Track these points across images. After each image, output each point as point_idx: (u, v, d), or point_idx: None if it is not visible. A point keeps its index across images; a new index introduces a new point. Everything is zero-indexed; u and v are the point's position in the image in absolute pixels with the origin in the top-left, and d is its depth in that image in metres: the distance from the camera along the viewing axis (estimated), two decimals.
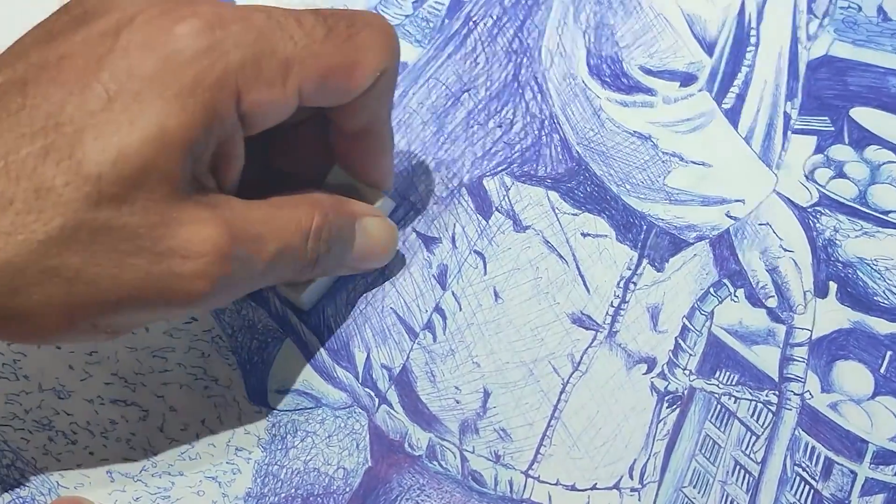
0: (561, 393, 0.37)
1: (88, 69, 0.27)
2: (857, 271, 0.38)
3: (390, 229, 0.36)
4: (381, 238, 0.35)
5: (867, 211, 0.39)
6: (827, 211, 0.39)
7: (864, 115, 0.40)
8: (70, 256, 0.26)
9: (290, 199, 0.31)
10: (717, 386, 0.37)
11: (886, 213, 0.39)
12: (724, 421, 0.36)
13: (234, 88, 0.28)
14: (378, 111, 0.33)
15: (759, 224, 0.39)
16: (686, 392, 0.37)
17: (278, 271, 0.31)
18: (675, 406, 0.36)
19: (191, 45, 0.27)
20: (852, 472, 0.35)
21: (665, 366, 0.37)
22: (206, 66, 0.27)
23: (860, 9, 0.43)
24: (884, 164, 0.40)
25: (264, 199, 0.31)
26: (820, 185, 0.40)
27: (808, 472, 0.35)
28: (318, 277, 0.36)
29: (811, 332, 0.37)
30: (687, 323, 0.38)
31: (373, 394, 0.37)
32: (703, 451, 0.36)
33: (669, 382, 0.37)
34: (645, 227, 0.39)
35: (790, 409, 0.36)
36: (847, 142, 0.40)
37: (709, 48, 0.42)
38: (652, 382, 0.37)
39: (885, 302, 0.37)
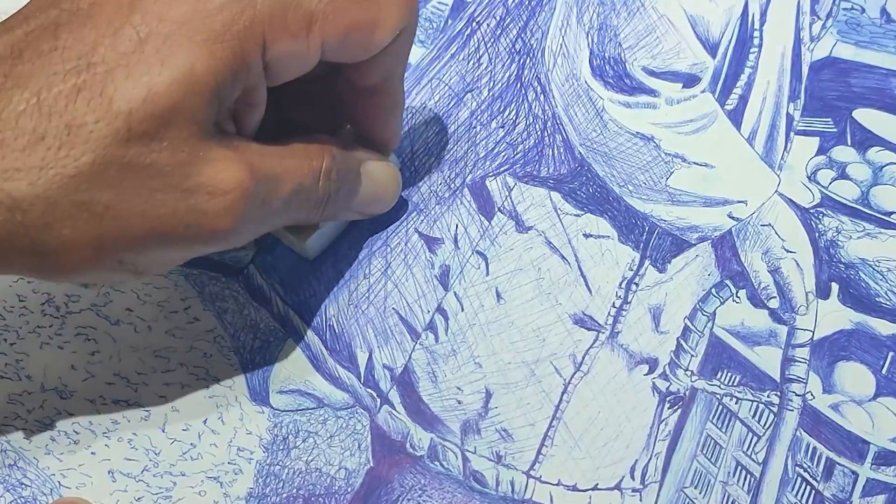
0: (563, 393, 0.37)
1: (120, 13, 0.28)
2: (859, 272, 0.38)
3: (393, 173, 0.37)
4: (384, 181, 0.37)
5: (869, 212, 0.39)
6: (829, 212, 0.39)
7: (867, 117, 0.40)
8: (100, 191, 0.27)
9: (302, 143, 0.33)
10: (719, 386, 0.37)
11: (888, 214, 0.39)
12: (726, 421, 0.36)
13: (260, 38, 0.29)
14: (394, 69, 0.34)
15: (762, 225, 0.39)
16: (688, 393, 0.37)
17: (292, 210, 0.32)
18: (676, 406, 0.36)
19: None
20: (854, 472, 0.35)
21: (667, 366, 0.37)
22: (234, 13, 0.28)
23: (863, 10, 0.43)
24: (886, 165, 0.40)
25: (279, 144, 0.32)
26: (822, 186, 0.40)
27: (809, 473, 0.35)
28: (325, 221, 0.37)
29: (813, 332, 0.37)
30: (689, 324, 0.38)
31: (375, 394, 0.37)
32: (704, 452, 0.36)
33: (671, 383, 0.37)
34: (647, 227, 0.39)
35: (792, 410, 0.36)
36: (849, 143, 0.40)
37: (712, 49, 0.42)
38: (654, 383, 0.37)
39: (887, 303, 0.37)
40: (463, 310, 0.38)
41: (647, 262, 0.39)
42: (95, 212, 0.27)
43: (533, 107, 0.42)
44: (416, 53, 0.44)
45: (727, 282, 0.38)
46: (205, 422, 0.37)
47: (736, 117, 0.41)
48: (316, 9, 0.30)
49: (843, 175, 0.40)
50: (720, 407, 0.36)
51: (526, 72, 0.42)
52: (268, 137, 0.32)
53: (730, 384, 0.37)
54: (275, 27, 0.29)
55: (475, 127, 0.41)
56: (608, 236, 0.39)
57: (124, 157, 0.27)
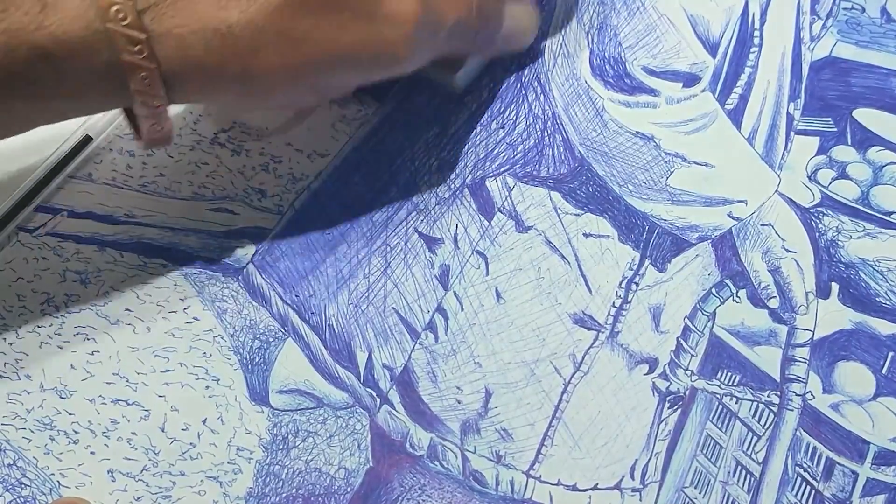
0: (562, 393, 0.37)
1: None
2: (859, 272, 0.38)
3: (530, 12, 0.40)
4: (523, 19, 0.40)
5: (869, 212, 0.39)
6: (829, 212, 0.39)
7: (867, 116, 0.40)
8: (300, 20, 0.31)
9: None
10: (719, 386, 0.37)
11: (888, 214, 0.39)
12: (726, 421, 0.36)
13: None
14: None
15: (762, 225, 0.39)
16: (688, 392, 0.37)
17: (453, 40, 0.35)
18: (676, 406, 0.36)
19: None
20: (854, 472, 0.35)
21: (667, 366, 0.37)
22: None
23: (864, 10, 0.42)
24: (886, 165, 0.40)
25: None
26: (822, 185, 0.40)
27: (809, 473, 0.35)
28: (474, 54, 0.40)
29: (813, 332, 0.37)
30: (689, 323, 0.38)
31: (374, 394, 0.37)
32: (704, 452, 0.36)
33: (671, 383, 0.37)
34: (647, 227, 0.39)
35: (792, 410, 0.36)
36: (850, 143, 0.40)
37: (712, 49, 0.42)
38: (653, 383, 0.37)
39: (887, 303, 0.37)
40: (463, 309, 0.38)
41: (647, 262, 0.39)
42: (296, 38, 0.31)
43: (533, 107, 0.41)
44: None
45: (727, 281, 0.38)
46: (204, 421, 0.37)
47: (736, 117, 0.41)
48: None
49: (843, 175, 0.40)
50: (720, 407, 0.36)
51: (526, 71, 0.42)
52: None
53: (730, 384, 0.37)
54: None
55: (475, 127, 0.41)
56: (608, 236, 0.39)
57: None
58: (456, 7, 0.35)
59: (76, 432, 0.37)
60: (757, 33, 0.42)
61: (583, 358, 0.37)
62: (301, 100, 0.36)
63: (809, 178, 0.40)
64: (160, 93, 0.31)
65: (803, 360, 0.37)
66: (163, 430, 0.37)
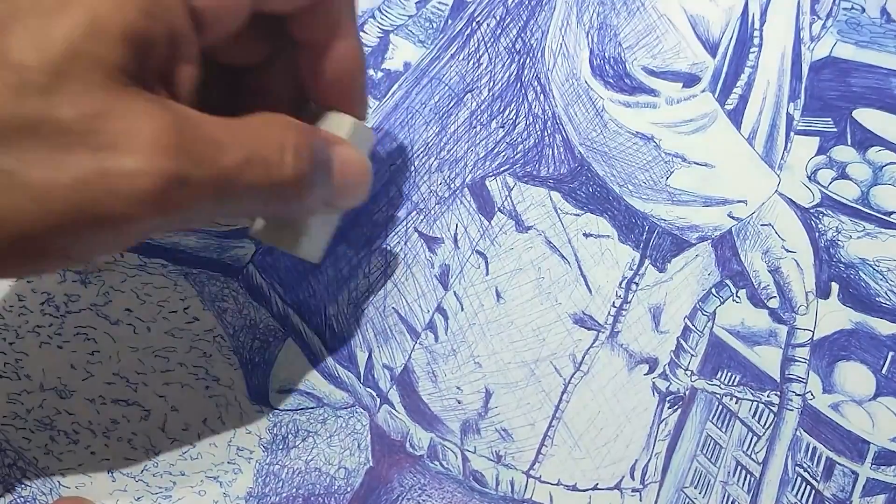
0: (562, 393, 0.37)
1: None
2: (859, 272, 0.38)
3: (363, 161, 0.33)
4: (355, 167, 0.32)
5: (869, 212, 0.39)
6: (829, 212, 0.39)
7: (867, 117, 0.40)
8: (1, 157, 0.24)
9: (257, 115, 0.29)
10: (719, 386, 0.37)
11: (888, 214, 0.39)
12: (726, 421, 0.36)
13: None
14: (338, 17, 0.31)
15: (762, 225, 0.39)
16: (687, 392, 0.37)
17: (250, 186, 0.27)
18: (676, 406, 0.36)
19: None
20: (854, 472, 0.35)
21: (667, 366, 0.37)
22: None
23: (863, 10, 0.43)
24: (886, 165, 0.40)
25: (230, 117, 0.28)
26: (822, 185, 0.40)
27: (809, 473, 0.35)
28: (306, 213, 0.33)
29: (813, 332, 0.37)
30: (689, 323, 0.38)
31: (374, 394, 0.37)
32: (704, 452, 0.36)
33: (671, 383, 0.37)
34: (647, 227, 0.39)
35: (792, 410, 0.36)
36: (850, 143, 0.40)
37: (712, 49, 0.42)
38: (653, 383, 0.37)
39: (887, 303, 0.37)
40: (463, 309, 0.38)
41: (647, 262, 0.39)
42: (0, 183, 0.24)
43: (533, 107, 0.42)
44: (416, 53, 0.44)
45: (727, 281, 0.38)
46: (204, 421, 0.37)
47: (736, 117, 0.41)
48: None
49: (843, 175, 0.40)
50: (720, 407, 0.36)
51: (526, 71, 0.42)
52: None
53: (730, 384, 0.37)
54: None
55: (475, 127, 0.41)
56: (608, 236, 0.39)
57: (20, 114, 0.24)
58: (248, 144, 0.27)
59: (76, 432, 0.37)
60: (757, 33, 0.42)
61: (583, 358, 0.37)
62: (44, 267, 0.28)
63: (809, 178, 0.40)
64: None
65: (803, 360, 0.37)
66: (163, 430, 0.37)
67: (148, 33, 0.25)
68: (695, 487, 0.35)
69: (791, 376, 0.36)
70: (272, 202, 0.29)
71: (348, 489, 0.36)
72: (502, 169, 0.40)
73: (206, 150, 0.26)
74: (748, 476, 0.35)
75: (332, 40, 0.32)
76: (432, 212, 0.40)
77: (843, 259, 0.38)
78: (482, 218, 0.40)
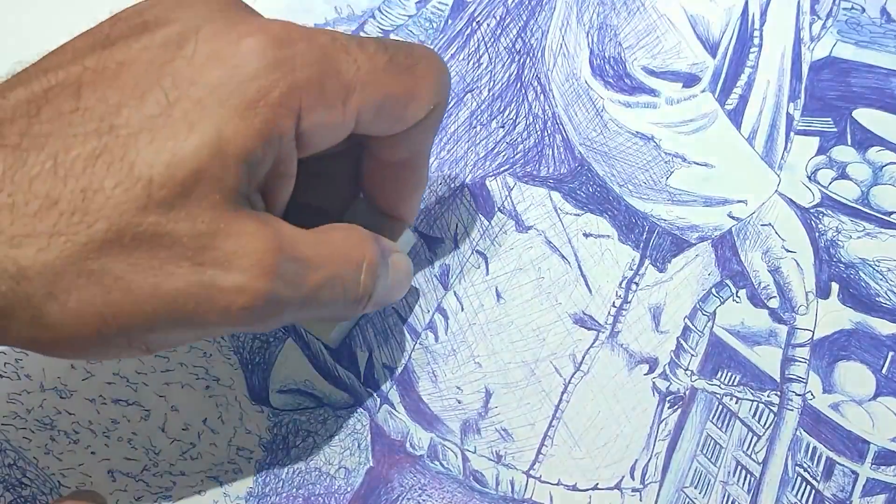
0: (563, 393, 0.37)
1: (149, 75, 0.26)
2: (859, 272, 0.38)
3: (409, 266, 0.35)
4: (405, 273, 0.35)
5: (869, 212, 0.39)
6: (829, 212, 0.39)
7: (867, 117, 0.40)
8: (111, 261, 0.25)
9: (341, 228, 0.31)
10: (719, 386, 0.37)
11: (888, 214, 0.39)
12: (726, 421, 0.36)
13: (297, 106, 0.27)
14: (422, 145, 0.33)
15: (762, 225, 0.39)
16: (688, 392, 0.37)
17: (326, 302, 0.30)
18: (676, 406, 0.36)
19: (257, 59, 0.27)
20: (854, 472, 0.35)
21: (667, 366, 0.37)
22: (272, 80, 0.27)
23: (863, 10, 0.43)
24: (886, 165, 0.40)
25: (314, 228, 0.30)
26: (822, 185, 0.40)
27: (809, 473, 0.35)
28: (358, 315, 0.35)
29: (813, 332, 0.37)
30: (689, 323, 0.38)
31: (374, 394, 0.37)
32: (704, 452, 0.36)
33: (671, 383, 0.37)
34: (647, 227, 0.39)
35: (792, 410, 0.36)
36: (850, 143, 0.40)
37: (712, 49, 0.42)
38: (653, 383, 0.37)
39: (887, 303, 0.37)
40: (463, 309, 0.38)
41: (647, 262, 0.39)
42: (104, 283, 0.25)
43: (533, 106, 0.42)
44: None
45: (727, 281, 0.38)
46: (204, 421, 0.37)
47: (736, 117, 0.41)
48: (353, 78, 0.28)
49: (843, 175, 0.40)
50: (720, 407, 0.36)
51: (526, 71, 0.42)
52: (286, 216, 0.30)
53: (730, 384, 0.37)
54: (312, 96, 0.27)
55: (475, 127, 0.41)
56: (608, 236, 0.39)
57: (140, 225, 0.25)
58: (330, 263, 0.29)
59: (76, 432, 0.37)
60: (757, 33, 0.42)
61: (583, 358, 0.37)
62: (121, 355, 0.30)
63: (809, 178, 0.40)
64: None
65: (803, 359, 0.37)
66: (163, 430, 0.37)
67: (262, 160, 0.27)
68: (695, 487, 0.35)
69: (791, 376, 0.36)
70: (337, 311, 0.31)
71: (348, 489, 0.36)
72: (502, 169, 0.40)
73: (298, 272, 0.28)
74: (748, 476, 0.35)
75: (408, 160, 0.33)
76: (432, 212, 0.40)
77: (843, 259, 0.38)
78: (482, 218, 0.40)
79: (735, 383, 0.37)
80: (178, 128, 0.26)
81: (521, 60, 0.42)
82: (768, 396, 0.36)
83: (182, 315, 0.26)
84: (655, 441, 0.36)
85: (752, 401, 0.36)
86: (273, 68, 0.27)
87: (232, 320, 0.27)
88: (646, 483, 0.35)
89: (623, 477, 0.35)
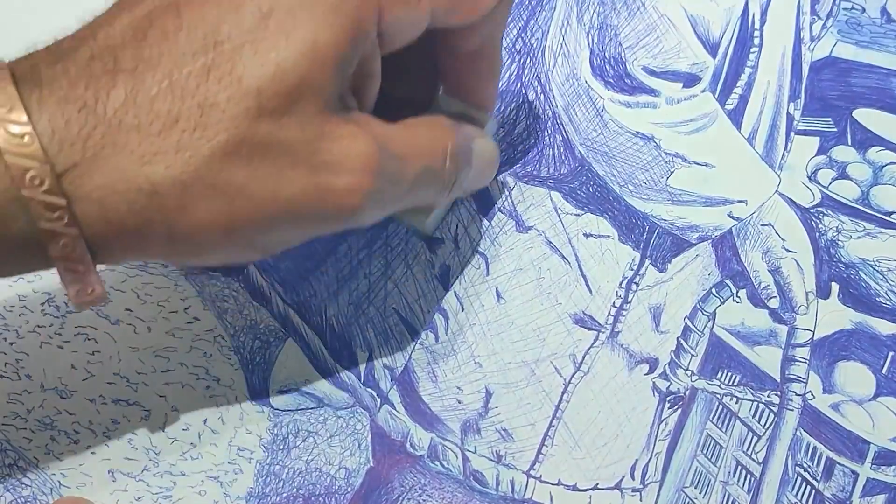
0: (563, 393, 0.37)
1: None
2: (860, 272, 0.38)
3: (495, 149, 0.37)
4: (490, 158, 0.37)
5: (869, 212, 0.39)
6: (829, 212, 0.39)
7: (867, 117, 0.40)
8: (233, 171, 0.27)
9: (424, 120, 0.32)
10: (719, 386, 0.37)
11: (889, 214, 0.39)
12: (726, 421, 0.36)
13: (376, 5, 0.28)
14: (494, 34, 0.34)
15: (762, 225, 0.39)
16: (688, 392, 0.37)
17: (420, 191, 0.32)
18: (676, 406, 0.36)
19: None
20: (854, 472, 0.35)
21: (667, 366, 0.37)
22: None
23: (864, 10, 0.43)
24: (886, 165, 0.40)
25: (403, 124, 0.31)
26: (822, 185, 0.40)
27: (809, 473, 0.35)
28: (445, 199, 0.36)
29: (813, 332, 0.37)
30: (689, 323, 0.38)
31: (375, 394, 0.37)
32: (704, 452, 0.36)
33: (671, 383, 0.37)
34: (647, 227, 0.39)
35: (792, 410, 0.36)
36: (850, 143, 0.40)
37: (712, 49, 0.42)
38: (654, 383, 0.37)
39: (888, 303, 0.37)
40: (463, 309, 0.38)
41: (647, 262, 0.39)
42: (228, 192, 0.27)
43: (533, 106, 0.42)
44: None
45: (727, 281, 0.38)
46: (205, 421, 0.37)
47: (736, 117, 0.41)
48: None
49: (843, 175, 0.40)
50: (720, 407, 0.36)
51: (526, 71, 0.42)
52: (376, 113, 0.32)
53: (730, 384, 0.37)
54: None
55: None
56: (608, 236, 0.39)
57: (255, 135, 0.27)
58: (424, 154, 0.32)
59: (77, 432, 0.37)
60: (757, 33, 0.42)
61: (583, 358, 0.37)
62: (243, 256, 0.33)
63: (809, 178, 0.40)
64: (84, 258, 0.28)
65: (803, 360, 0.37)
66: (163, 430, 0.37)
67: (352, 61, 0.29)
68: (695, 487, 0.35)
69: (791, 376, 0.36)
70: (427, 199, 0.34)
71: (349, 489, 0.36)
72: (502, 169, 0.40)
73: (395, 168, 0.30)
74: (748, 476, 0.35)
75: (482, 49, 0.34)
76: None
77: (843, 259, 0.38)
78: (482, 218, 0.40)
79: (735, 383, 0.37)
80: (276, 38, 0.27)
81: (522, 60, 0.42)
82: (768, 396, 0.36)
83: (299, 216, 0.29)
84: (655, 441, 0.36)
85: (753, 401, 0.36)
86: None
87: (343, 217, 0.29)
88: (646, 483, 0.35)
89: (623, 477, 0.35)
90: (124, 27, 0.27)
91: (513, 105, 0.42)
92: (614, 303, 0.38)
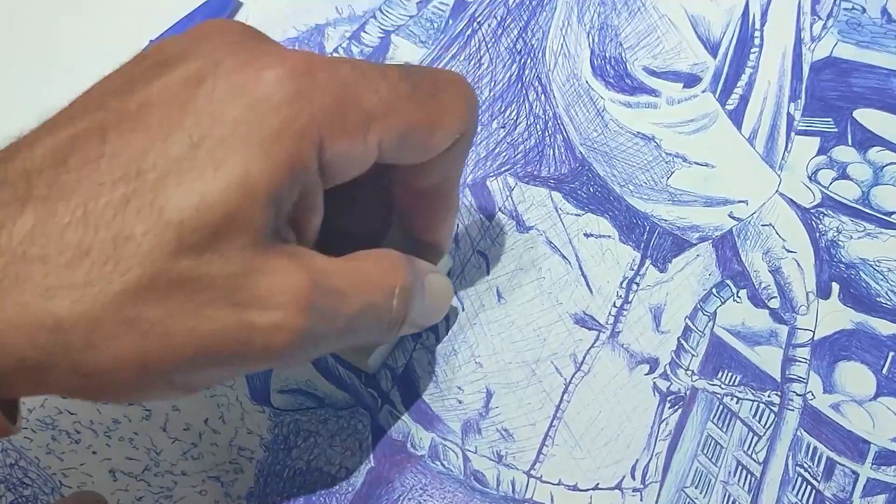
0: (563, 393, 0.37)
1: (172, 115, 0.26)
2: (860, 272, 0.38)
3: (449, 286, 0.35)
4: (443, 296, 0.34)
5: (870, 212, 0.39)
6: (830, 212, 0.39)
7: (868, 117, 0.40)
8: (147, 308, 0.25)
9: (372, 254, 0.30)
10: (720, 386, 0.37)
11: (889, 214, 0.39)
12: (726, 421, 0.36)
13: (317, 137, 0.27)
14: (450, 172, 0.32)
15: (762, 225, 0.39)
16: (688, 392, 0.37)
17: (360, 331, 0.30)
18: (677, 406, 0.36)
19: (277, 91, 0.26)
20: (854, 472, 0.35)
21: (667, 366, 0.37)
22: (292, 113, 0.26)
23: (864, 10, 0.43)
24: (887, 165, 0.40)
25: (345, 256, 0.29)
26: (823, 186, 0.40)
27: (809, 473, 0.35)
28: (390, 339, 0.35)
29: (813, 332, 0.37)
30: (689, 323, 0.38)
31: (375, 394, 0.37)
32: (705, 452, 0.36)
33: (672, 383, 0.37)
34: (648, 227, 0.39)
35: (792, 410, 0.36)
36: (850, 143, 0.40)
37: (713, 49, 0.42)
38: (654, 383, 0.37)
39: (888, 303, 0.37)
40: (464, 309, 0.38)
41: (647, 262, 0.39)
42: (141, 329, 0.25)
43: (534, 107, 0.42)
44: (417, 54, 0.44)
45: (728, 281, 0.38)
46: (206, 421, 0.37)
47: (737, 117, 0.41)
48: (375, 107, 0.28)
49: (843, 175, 0.40)
50: (721, 407, 0.36)
51: (527, 72, 0.42)
52: (320, 249, 0.29)
53: (730, 384, 0.37)
54: (332, 126, 0.27)
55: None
56: (609, 236, 0.39)
57: (173, 270, 0.25)
58: (363, 291, 0.29)
59: (78, 432, 0.37)
60: (757, 34, 0.42)
61: (584, 358, 0.37)
62: (163, 396, 0.30)
63: (810, 178, 0.40)
64: None
65: (804, 360, 0.37)
66: (164, 430, 0.37)
67: (289, 195, 0.27)
68: (695, 487, 0.35)
69: (792, 376, 0.36)
70: (371, 337, 0.31)
71: (349, 489, 0.36)
72: (503, 169, 0.40)
73: (332, 304, 0.28)
74: (749, 476, 0.35)
75: (437, 187, 0.33)
76: None
77: (843, 259, 0.38)
78: (483, 218, 0.40)
79: (736, 383, 0.37)
80: (205, 168, 0.25)
81: (522, 61, 0.42)
82: (769, 396, 0.36)
83: (221, 356, 0.26)
84: (656, 441, 0.36)
85: (753, 401, 0.36)
86: (293, 100, 0.26)
87: (271, 357, 0.27)
88: (646, 483, 0.35)
89: (624, 477, 0.35)
90: (46, 150, 0.26)
91: (513, 105, 0.42)
92: (615, 303, 0.38)
